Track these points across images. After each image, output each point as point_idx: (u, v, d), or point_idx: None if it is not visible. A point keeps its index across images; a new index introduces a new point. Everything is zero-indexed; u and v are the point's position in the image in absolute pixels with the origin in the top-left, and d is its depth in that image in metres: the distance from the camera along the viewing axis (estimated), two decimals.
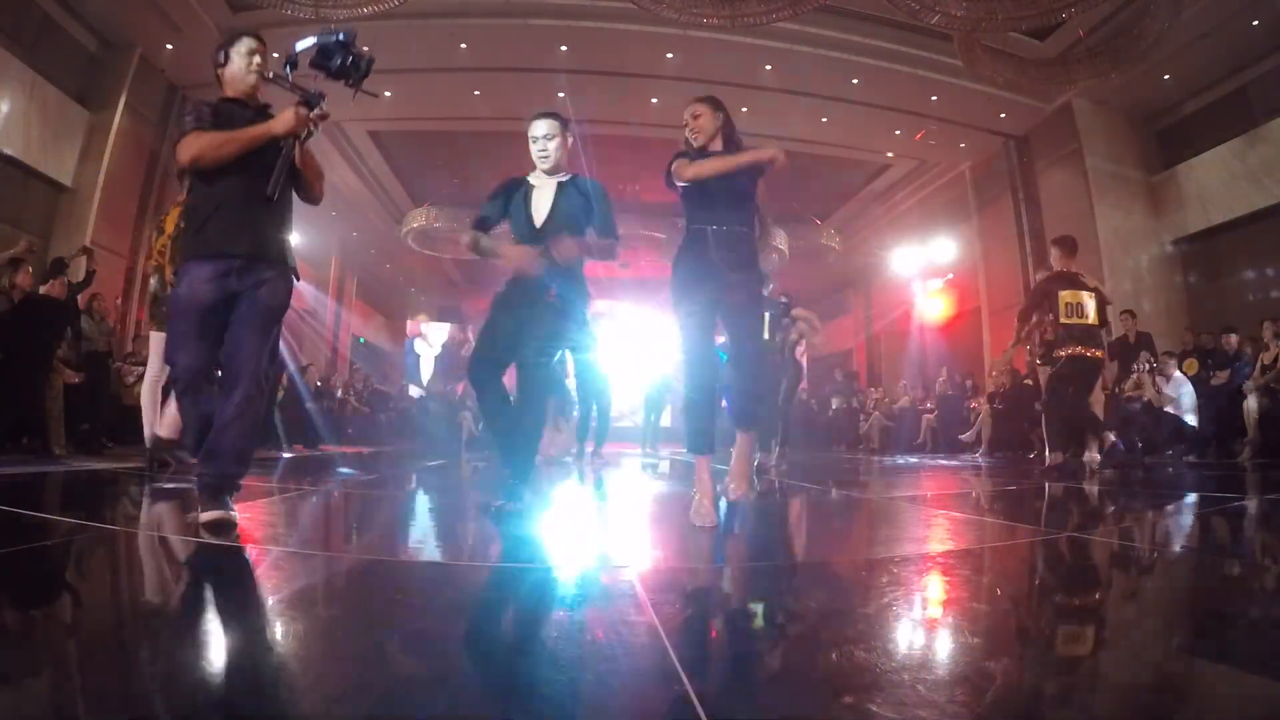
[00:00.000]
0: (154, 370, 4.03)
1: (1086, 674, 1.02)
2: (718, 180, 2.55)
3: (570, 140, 2.82)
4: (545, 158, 2.75)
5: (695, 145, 2.69)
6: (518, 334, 2.59)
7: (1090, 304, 4.85)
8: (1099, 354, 4.93)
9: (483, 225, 2.81)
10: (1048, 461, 5.02)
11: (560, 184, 2.77)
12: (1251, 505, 3.22)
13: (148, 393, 4.02)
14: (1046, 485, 4.16)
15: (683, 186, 2.61)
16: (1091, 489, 3.90)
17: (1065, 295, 4.88)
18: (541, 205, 2.75)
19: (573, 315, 2.69)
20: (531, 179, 2.81)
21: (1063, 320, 4.85)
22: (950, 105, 9.81)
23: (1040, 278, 5.54)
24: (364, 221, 14.05)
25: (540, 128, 2.76)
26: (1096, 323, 4.89)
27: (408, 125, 11.19)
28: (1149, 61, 7.88)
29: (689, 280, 2.56)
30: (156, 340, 3.99)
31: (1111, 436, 5.05)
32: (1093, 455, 5.08)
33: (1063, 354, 4.88)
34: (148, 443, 3.92)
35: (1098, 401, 5.58)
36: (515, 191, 2.80)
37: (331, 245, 14.29)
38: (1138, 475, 4.40)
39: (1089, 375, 5.03)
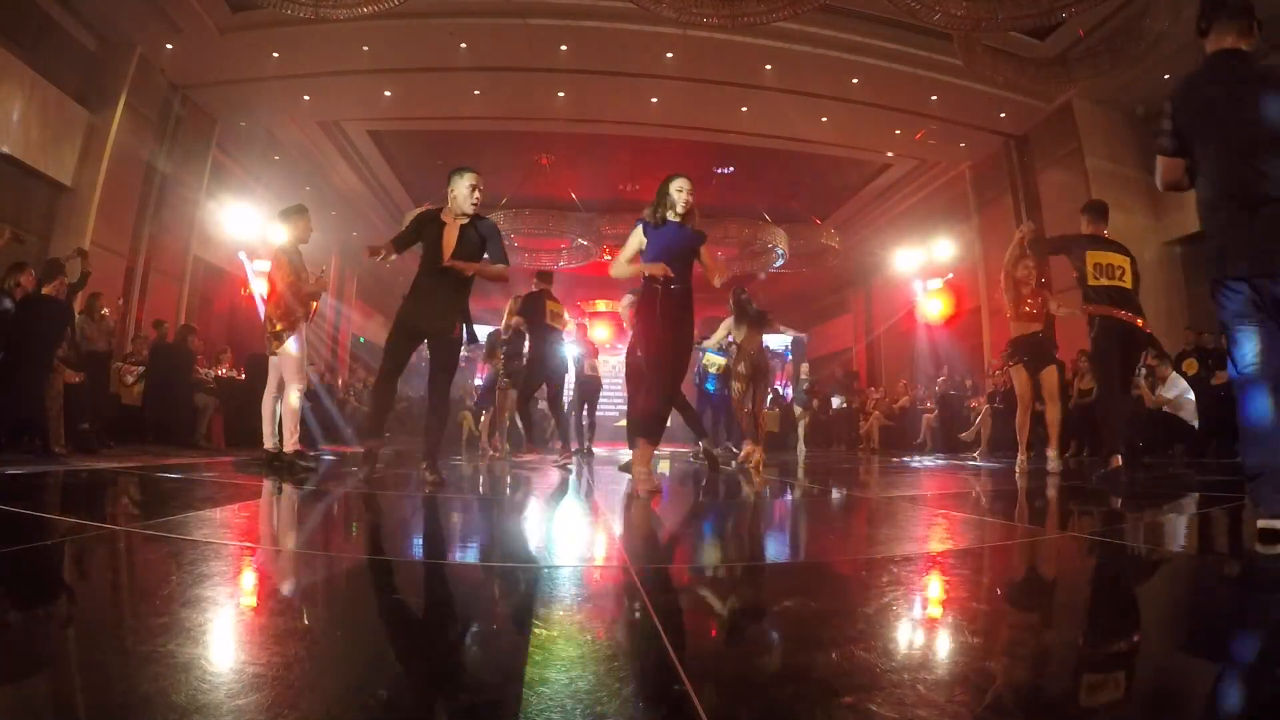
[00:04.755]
0: (273, 387, 4.46)
1: (1087, 674, 1.02)
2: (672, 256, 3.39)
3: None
4: (471, 203, 3.61)
5: (680, 213, 3.44)
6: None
7: (1127, 268, 4.16)
8: (1140, 321, 4.15)
9: (398, 244, 3.66)
10: (1112, 463, 4.06)
11: (463, 226, 3.60)
12: (1250, 504, 3.21)
13: (268, 406, 4.48)
14: (1053, 486, 4.15)
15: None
16: (1093, 489, 3.90)
17: (1094, 255, 4.18)
18: (450, 241, 3.57)
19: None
20: (444, 217, 3.63)
21: (1090, 282, 4.17)
22: (950, 105, 9.81)
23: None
24: (364, 221, 14.05)
25: (470, 179, 3.61)
26: (1131, 288, 4.18)
27: (408, 125, 11.19)
28: (1149, 61, 7.88)
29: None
30: (276, 362, 4.43)
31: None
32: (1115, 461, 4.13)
33: (1092, 311, 4.17)
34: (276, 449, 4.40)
35: (1052, 397, 5.12)
36: (428, 225, 3.63)
37: (331, 245, 14.29)
38: (1138, 475, 4.32)
39: (1127, 345, 4.19)
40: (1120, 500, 3.34)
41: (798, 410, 11.36)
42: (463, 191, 3.61)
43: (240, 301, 11.14)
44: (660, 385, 3.44)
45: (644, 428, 3.52)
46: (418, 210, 4.05)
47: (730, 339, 6.53)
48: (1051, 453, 5.02)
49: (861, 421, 11.91)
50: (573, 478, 4.71)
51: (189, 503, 2.82)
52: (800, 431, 11.12)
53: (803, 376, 11.66)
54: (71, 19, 8.05)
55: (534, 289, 6.00)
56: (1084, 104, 9.63)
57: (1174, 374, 6.85)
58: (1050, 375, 5.10)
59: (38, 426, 5.18)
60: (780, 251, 13.32)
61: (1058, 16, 7.17)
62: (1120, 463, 4.05)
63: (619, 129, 11.04)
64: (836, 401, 12.85)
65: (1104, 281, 4.16)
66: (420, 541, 2.38)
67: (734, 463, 5.76)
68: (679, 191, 3.42)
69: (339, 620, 1.25)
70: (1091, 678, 1.00)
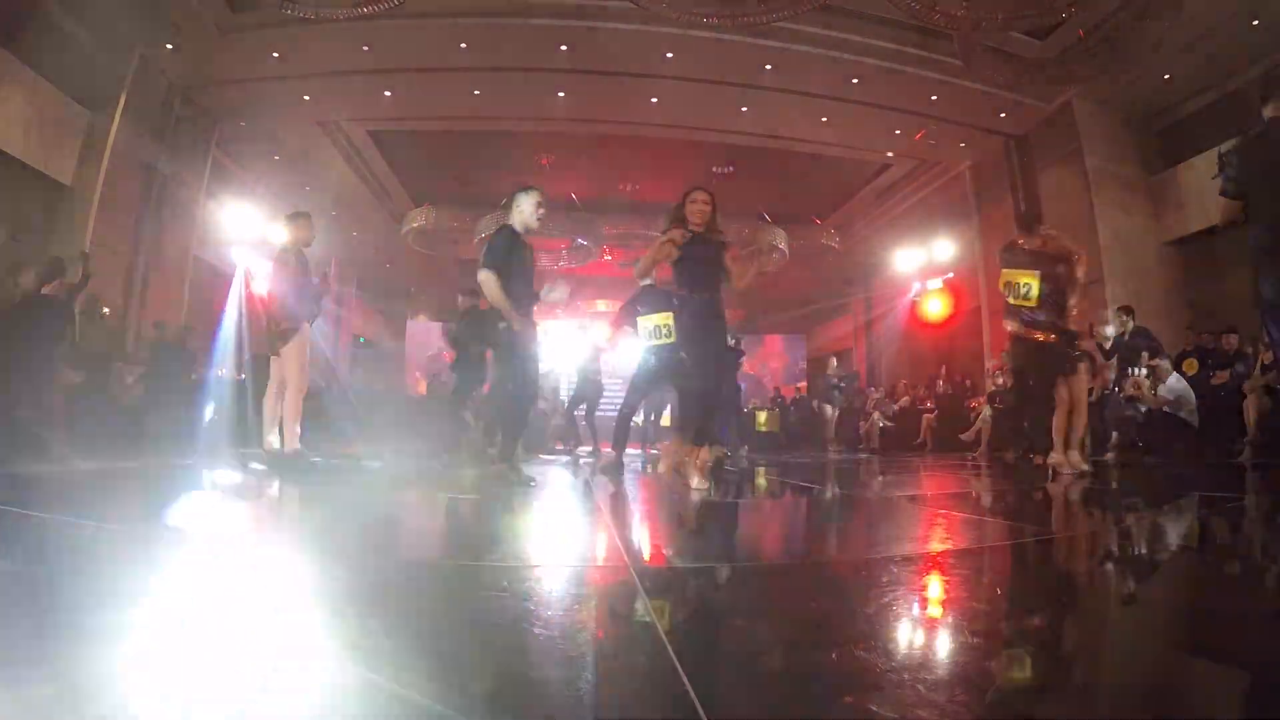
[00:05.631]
0: (275, 387, 4.45)
1: (1086, 674, 1.02)
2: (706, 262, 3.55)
3: None
4: (536, 220, 3.79)
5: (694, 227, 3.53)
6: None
7: (1034, 286, 4.43)
8: (1049, 337, 4.49)
9: (506, 264, 3.66)
10: (1036, 460, 4.69)
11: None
12: (1251, 505, 3.22)
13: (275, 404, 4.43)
14: (1042, 485, 4.15)
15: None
16: (1092, 489, 3.90)
17: (1005, 273, 4.56)
18: (530, 258, 3.83)
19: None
20: (523, 234, 3.77)
21: (1007, 298, 4.57)
22: (950, 105, 9.81)
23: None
24: (364, 221, 14.05)
25: (537, 196, 3.78)
26: (1036, 305, 4.47)
27: (408, 125, 11.19)
28: (1149, 62, 7.88)
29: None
30: (278, 361, 4.42)
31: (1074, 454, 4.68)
32: (1059, 458, 4.65)
33: (1009, 330, 4.65)
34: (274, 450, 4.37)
35: (1078, 401, 4.94)
36: (518, 246, 3.74)
37: (331, 245, 14.31)
38: (1138, 475, 4.35)
39: (1042, 362, 4.62)
40: (1119, 500, 3.34)
41: (828, 410, 11.38)
42: (530, 209, 3.76)
43: (240, 302, 11.13)
44: (700, 389, 3.66)
45: (683, 428, 3.79)
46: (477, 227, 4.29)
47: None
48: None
49: (861, 422, 11.90)
50: (574, 478, 4.71)
51: (189, 503, 2.82)
52: (832, 433, 11.15)
53: (830, 373, 11.68)
54: (71, 19, 8.04)
55: None
56: (1084, 104, 9.62)
57: (1174, 374, 6.84)
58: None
59: (38, 426, 5.17)
60: (782, 249, 13.30)
61: (1058, 16, 7.17)
62: (1044, 460, 4.73)
63: (619, 129, 11.04)
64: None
65: (1012, 300, 4.54)
66: (419, 541, 2.38)
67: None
68: (693, 204, 3.54)
69: (338, 619, 1.25)
70: (1091, 677, 1.00)
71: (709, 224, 3.56)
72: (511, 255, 3.71)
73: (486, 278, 3.61)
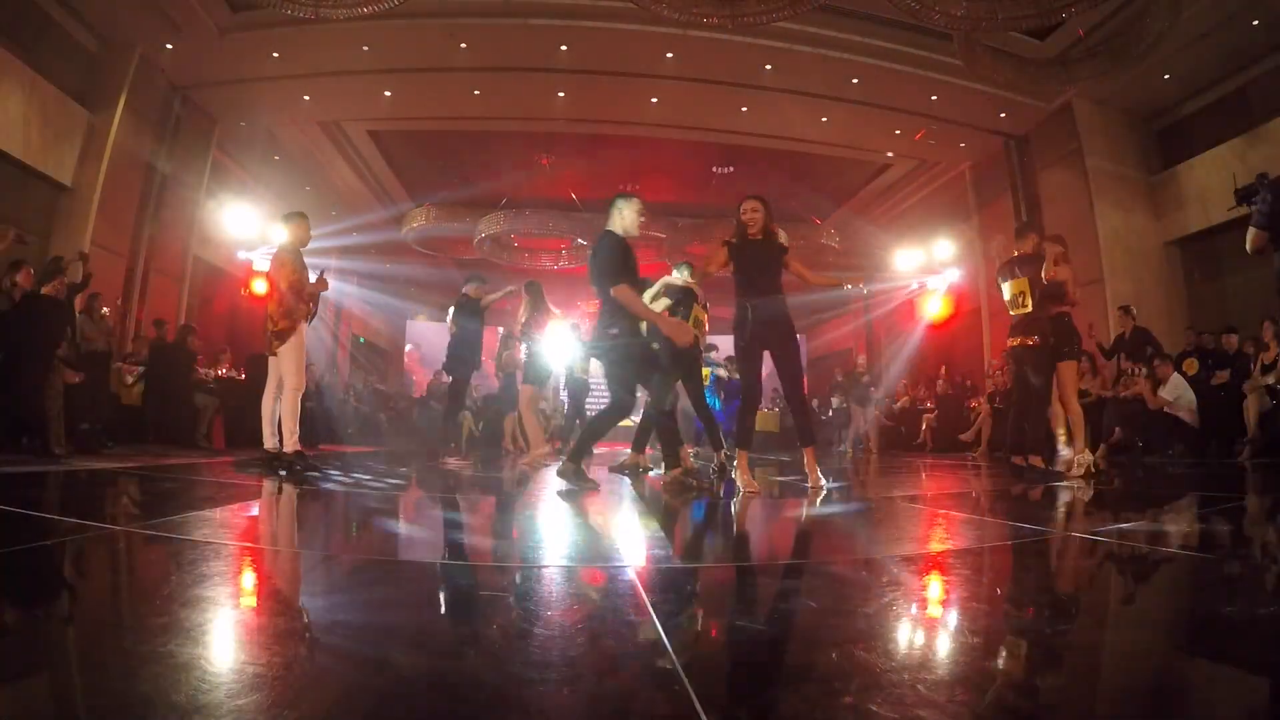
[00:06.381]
0: (273, 387, 4.44)
1: (1086, 674, 1.02)
2: (757, 268, 3.73)
3: None
4: (637, 227, 3.82)
5: (750, 235, 3.72)
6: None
7: (1026, 291, 4.66)
8: (1036, 340, 4.67)
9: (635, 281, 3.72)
10: (1033, 461, 4.84)
11: None
12: (1251, 505, 3.22)
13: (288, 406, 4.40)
14: (1043, 485, 4.16)
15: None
16: (1091, 489, 3.90)
17: (1005, 286, 4.81)
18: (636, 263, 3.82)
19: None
20: (627, 240, 3.76)
21: (1010, 312, 4.81)
22: (950, 105, 9.81)
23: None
24: (364, 221, 14.06)
25: (639, 204, 3.81)
26: (1030, 309, 4.66)
27: (408, 125, 11.19)
28: (1149, 61, 7.88)
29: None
30: (276, 362, 4.42)
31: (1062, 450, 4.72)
32: (1068, 457, 4.68)
33: (1008, 342, 4.94)
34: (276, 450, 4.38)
35: (1067, 400, 4.93)
36: (627, 249, 3.74)
37: (331, 246, 14.31)
38: (1138, 475, 4.34)
39: (1036, 364, 4.74)
40: (1119, 500, 3.34)
41: (858, 410, 11.32)
42: (633, 216, 3.81)
43: (240, 301, 11.14)
44: (754, 397, 3.81)
45: (741, 437, 3.85)
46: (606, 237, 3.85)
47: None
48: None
49: (861, 422, 11.90)
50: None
51: (189, 503, 2.82)
52: (865, 433, 11.06)
53: (858, 371, 11.65)
54: (71, 19, 8.05)
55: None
56: (1084, 104, 9.63)
57: (1175, 374, 6.84)
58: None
59: (38, 426, 5.17)
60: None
61: (1058, 16, 7.16)
62: (1041, 462, 4.80)
63: (619, 129, 11.04)
64: (836, 402, 12.84)
65: (1011, 311, 4.80)
66: (420, 541, 2.38)
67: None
68: (744, 213, 3.75)
69: (338, 620, 1.25)
70: (1092, 677, 1.00)
71: (763, 228, 3.76)
72: (628, 261, 3.72)
73: (624, 291, 3.55)
